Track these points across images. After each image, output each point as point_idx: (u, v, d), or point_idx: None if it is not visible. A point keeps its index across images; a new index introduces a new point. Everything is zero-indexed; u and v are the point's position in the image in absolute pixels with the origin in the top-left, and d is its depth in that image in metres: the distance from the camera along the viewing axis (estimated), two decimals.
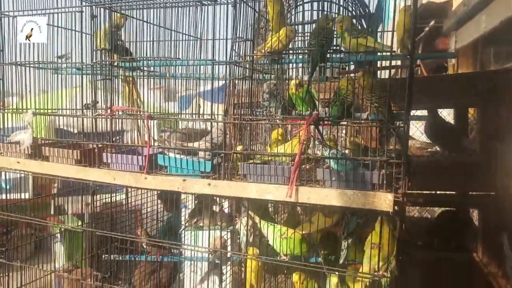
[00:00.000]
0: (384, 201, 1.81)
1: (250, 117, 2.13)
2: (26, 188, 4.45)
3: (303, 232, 2.25)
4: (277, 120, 2.18)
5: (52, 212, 4.71)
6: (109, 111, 2.35)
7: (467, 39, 5.84)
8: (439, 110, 3.83)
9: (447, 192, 3.65)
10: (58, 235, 5.21)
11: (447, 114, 4.41)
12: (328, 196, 1.91)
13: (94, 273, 2.49)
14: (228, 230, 2.64)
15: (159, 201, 3.40)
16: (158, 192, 3.29)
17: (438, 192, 3.66)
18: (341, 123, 2.04)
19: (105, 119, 2.43)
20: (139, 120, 2.68)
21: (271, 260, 2.21)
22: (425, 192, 3.62)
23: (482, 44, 5.66)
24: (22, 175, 3.53)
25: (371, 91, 2.01)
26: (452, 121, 4.06)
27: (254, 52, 2.17)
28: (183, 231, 2.84)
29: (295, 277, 2.19)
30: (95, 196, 2.56)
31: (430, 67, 7.27)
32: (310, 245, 2.24)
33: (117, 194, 3.17)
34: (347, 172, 1.92)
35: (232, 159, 2.16)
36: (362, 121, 1.97)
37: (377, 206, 1.82)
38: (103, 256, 2.64)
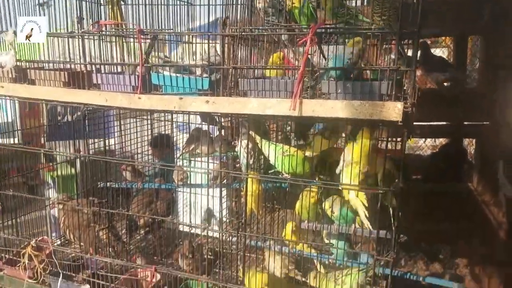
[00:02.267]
0: (393, 110, 1.72)
1: (250, 27, 1.98)
2: (14, 134, 4.30)
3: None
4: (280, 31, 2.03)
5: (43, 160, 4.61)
6: (96, 26, 2.17)
7: None
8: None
9: (445, 123, 3.61)
10: (51, 182, 5.12)
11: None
12: (333, 107, 1.81)
13: (90, 198, 2.40)
14: (226, 155, 2.56)
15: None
16: (150, 139, 3.17)
17: (436, 123, 3.62)
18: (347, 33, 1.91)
19: (93, 40, 2.25)
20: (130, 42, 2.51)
21: (272, 179, 2.15)
22: (423, 123, 3.57)
23: None
24: (10, 120, 3.37)
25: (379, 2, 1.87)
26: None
27: None
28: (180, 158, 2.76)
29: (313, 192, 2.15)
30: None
31: None
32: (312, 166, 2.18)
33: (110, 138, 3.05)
34: (354, 84, 1.82)
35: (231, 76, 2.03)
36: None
37: (385, 116, 1.73)
38: (98, 184, 2.55)
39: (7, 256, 2.84)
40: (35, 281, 2.68)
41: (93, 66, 2.31)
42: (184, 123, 3.40)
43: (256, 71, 2.14)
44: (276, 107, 1.90)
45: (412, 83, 1.79)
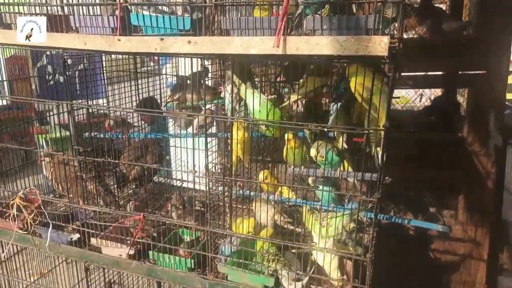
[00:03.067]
0: (379, 45, 1.65)
1: None
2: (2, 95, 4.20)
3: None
4: None
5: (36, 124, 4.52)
6: None
7: None
8: None
9: (439, 73, 3.54)
10: (44, 145, 5.07)
11: None
12: (318, 44, 1.74)
13: (75, 147, 2.37)
14: (213, 104, 2.51)
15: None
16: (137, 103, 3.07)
17: (429, 73, 3.55)
18: None
19: None
20: None
21: (256, 123, 2.11)
22: (416, 73, 3.51)
23: None
24: None
25: None
26: None
27: None
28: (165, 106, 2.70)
29: (290, 135, 2.13)
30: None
31: None
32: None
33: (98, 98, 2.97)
34: (340, 19, 1.74)
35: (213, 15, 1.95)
36: None
37: (371, 51, 1.67)
38: (83, 134, 2.51)
39: None
40: (26, 232, 2.70)
41: (70, 9, 2.20)
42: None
43: (241, 9, 2.05)
44: (260, 46, 1.83)
45: (400, 18, 1.72)
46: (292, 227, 2.41)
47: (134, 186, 3.07)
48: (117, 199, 2.86)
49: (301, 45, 1.77)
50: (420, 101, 4.67)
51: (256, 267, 2.25)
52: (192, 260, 2.34)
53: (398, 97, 4.07)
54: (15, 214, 2.62)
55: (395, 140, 1.95)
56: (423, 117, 3.84)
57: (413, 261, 3.46)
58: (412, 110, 4.74)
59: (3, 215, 2.78)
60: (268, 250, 2.22)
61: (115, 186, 2.92)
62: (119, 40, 2.05)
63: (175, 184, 3.41)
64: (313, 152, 2.16)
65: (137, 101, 2.95)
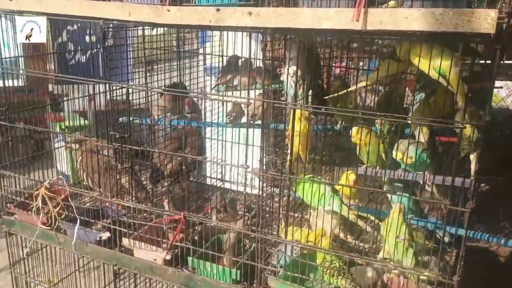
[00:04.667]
0: (485, 20, 1.63)
1: None
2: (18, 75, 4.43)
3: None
4: None
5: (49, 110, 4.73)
6: None
7: None
8: None
9: None
10: (60, 135, 5.33)
11: None
12: (407, 18, 1.74)
13: (111, 132, 2.49)
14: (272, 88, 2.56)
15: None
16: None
17: None
18: None
19: None
20: None
21: (325, 112, 2.14)
22: None
23: None
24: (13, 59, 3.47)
25: None
26: None
27: None
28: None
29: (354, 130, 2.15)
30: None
31: None
32: None
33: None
34: None
35: None
36: None
37: (474, 27, 1.65)
38: (119, 119, 2.63)
39: (18, 198, 3.02)
40: (49, 228, 2.86)
41: None
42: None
43: None
44: (335, 19, 1.85)
45: None
46: (355, 241, 2.42)
47: (167, 184, 3.17)
48: (151, 196, 2.97)
49: (385, 19, 1.78)
50: None
51: (314, 284, 2.27)
52: (238, 271, 2.38)
53: (501, 87, 3.96)
54: (40, 206, 2.78)
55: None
56: None
57: None
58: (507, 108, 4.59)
59: (25, 207, 2.96)
60: (331, 263, 2.24)
61: (149, 181, 3.04)
62: (169, 10, 2.15)
63: (215, 183, 3.50)
64: (398, 153, 2.15)
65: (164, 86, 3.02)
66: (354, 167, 2.40)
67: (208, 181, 3.55)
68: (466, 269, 2.00)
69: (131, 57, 3.13)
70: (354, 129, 2.19)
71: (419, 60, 1.98)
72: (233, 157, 2.43)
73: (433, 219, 2.53)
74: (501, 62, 1.82)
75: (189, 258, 2.50)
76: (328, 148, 2.73)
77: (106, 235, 2.70)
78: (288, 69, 2.30)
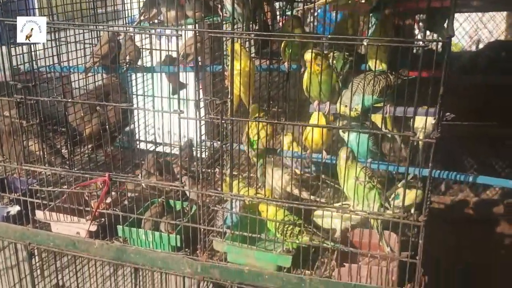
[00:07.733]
0: None
1: None
2: None
3: None
4: None
5: None
6: None
7: None
8: None
9: None
10: None
11: None
12: None
13: (11, 83, 2.08)
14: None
15: None
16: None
17: None
18: None
19: None
20: None
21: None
22: None
23: None
24: None
25: None
26: None
27: None
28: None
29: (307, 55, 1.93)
30: None
31: None
32: None
33: None
34: None
35: None
36: None
37: None
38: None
39: None
40: None
41: None
42: None
43: None
44: None
45: None
46: (310, 196, 2.23)
47: (88, 150, 2.81)
48: (68, 161, 2.60)
49: None
50: (477, 49, 4.47)
51: (267, 245, 2.04)
52: (178, 236, 2.15)
53: None
54: None
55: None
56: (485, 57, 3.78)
57: None
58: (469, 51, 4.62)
59: None
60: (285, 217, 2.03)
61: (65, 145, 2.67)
62: None
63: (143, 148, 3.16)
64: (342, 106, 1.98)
65: None
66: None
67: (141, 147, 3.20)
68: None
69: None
70: (307, 53, 1.95)
71: None
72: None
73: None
74: None
75: (119, 227, 2.21)
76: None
77: (15, 209, 2.36)
78: None
